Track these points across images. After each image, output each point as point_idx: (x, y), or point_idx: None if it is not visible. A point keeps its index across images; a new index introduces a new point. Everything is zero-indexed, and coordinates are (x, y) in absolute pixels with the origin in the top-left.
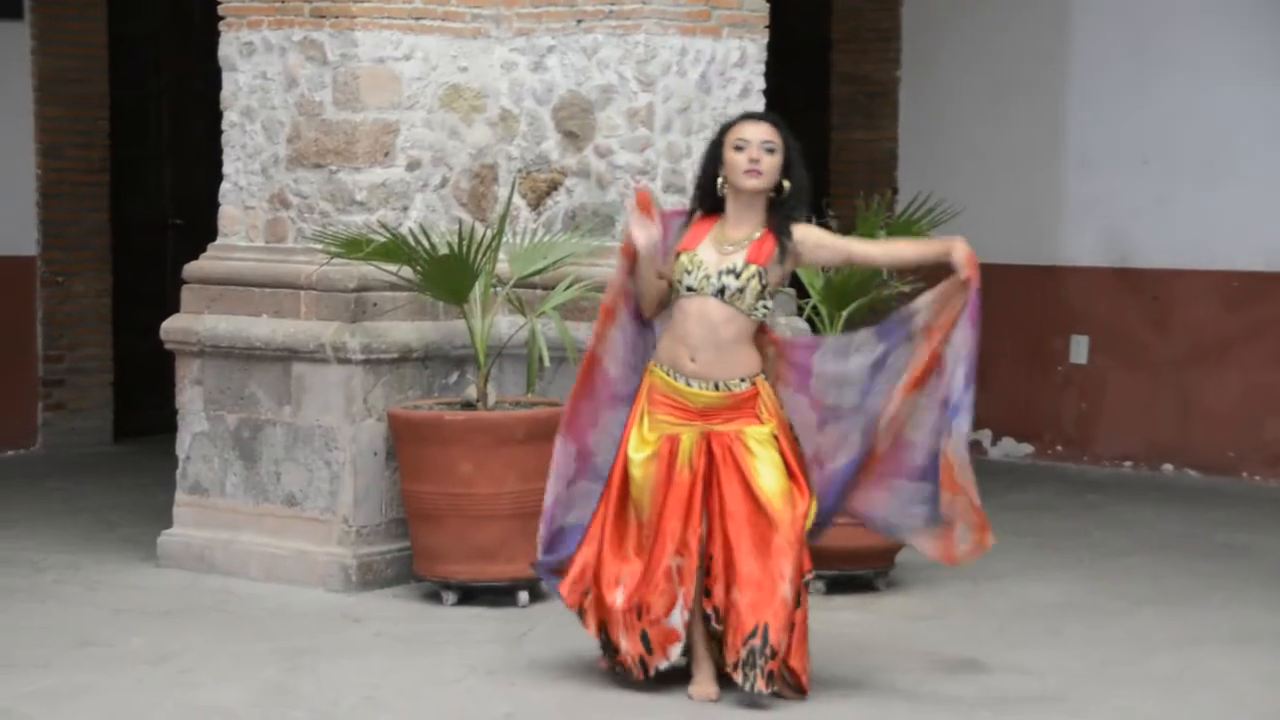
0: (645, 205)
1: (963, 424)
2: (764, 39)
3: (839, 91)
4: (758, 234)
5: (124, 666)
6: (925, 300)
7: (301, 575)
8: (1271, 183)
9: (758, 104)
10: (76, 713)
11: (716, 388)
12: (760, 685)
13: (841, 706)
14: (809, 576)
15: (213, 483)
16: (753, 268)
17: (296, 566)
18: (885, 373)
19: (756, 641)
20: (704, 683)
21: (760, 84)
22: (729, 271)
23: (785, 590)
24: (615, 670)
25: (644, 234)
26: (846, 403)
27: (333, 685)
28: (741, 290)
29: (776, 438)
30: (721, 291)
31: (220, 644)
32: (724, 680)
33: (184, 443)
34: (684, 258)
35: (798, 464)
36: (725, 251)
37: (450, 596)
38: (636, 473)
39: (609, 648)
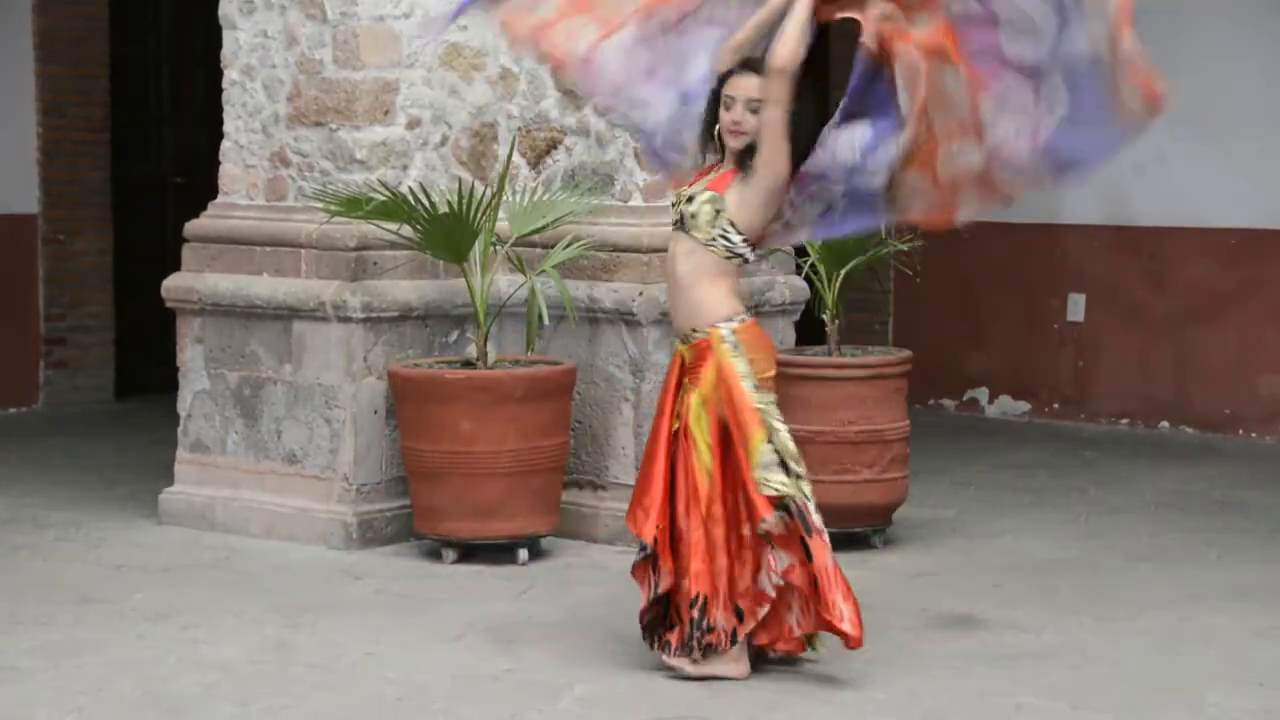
0: None
1: None
2: None
3: (837, 49)
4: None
5: (126, 623)
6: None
7: (302, 533)
8: (1269, 141)
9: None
10: (78, 668)
11: (685, 340)
12: (686, 664)
13: (838, 663)
14: (764, 526)
15: (214, 440)
16: (707, 193)
17: (297, 524)
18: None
19: (694, 613)
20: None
21: None
22: (688, 199)
23: (722, 561)
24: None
25: None
26: None
27: (333, 642)
28: (695, 215)
29: (706, 401)
30: (680, 220)
31: (221, 600)
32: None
33: (185, 401)
34: (672, 195)
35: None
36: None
37: (450, 554)
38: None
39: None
